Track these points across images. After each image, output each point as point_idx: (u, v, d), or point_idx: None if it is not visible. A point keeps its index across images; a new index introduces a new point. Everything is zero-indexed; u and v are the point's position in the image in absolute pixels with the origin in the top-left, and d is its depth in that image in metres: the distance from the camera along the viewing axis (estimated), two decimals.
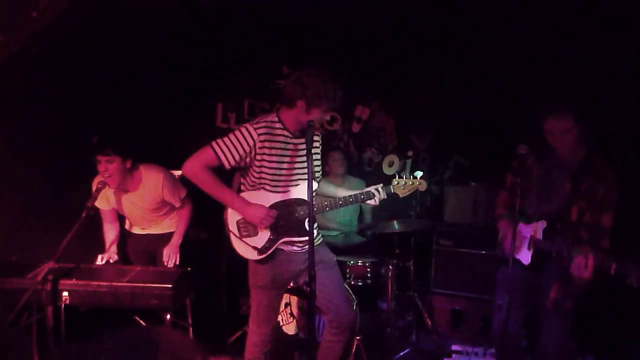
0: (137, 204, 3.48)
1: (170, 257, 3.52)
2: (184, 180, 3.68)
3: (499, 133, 4.41)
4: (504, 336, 2.78)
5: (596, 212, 2.76)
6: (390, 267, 4.06)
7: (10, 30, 2.86)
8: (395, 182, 2.81)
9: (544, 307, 2.87)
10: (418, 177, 2.81)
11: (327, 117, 2.80)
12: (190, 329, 3.47)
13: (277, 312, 2.92)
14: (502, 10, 4.03)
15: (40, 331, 2.93)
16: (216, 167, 2.66)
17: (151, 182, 3.43)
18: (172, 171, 3.69)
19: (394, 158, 5.22)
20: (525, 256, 2.88)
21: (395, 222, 3.97)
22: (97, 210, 3.48)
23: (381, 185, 2.79)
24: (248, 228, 2.75)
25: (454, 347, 3.98)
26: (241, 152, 2.63)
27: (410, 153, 5.19)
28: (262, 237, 2.74)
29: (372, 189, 2.79)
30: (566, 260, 2.68)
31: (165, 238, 3.61)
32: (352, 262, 3.98)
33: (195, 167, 2.64)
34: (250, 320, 2.89)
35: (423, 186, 2.84)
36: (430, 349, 4.16)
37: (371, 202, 2.80)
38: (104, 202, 3.48)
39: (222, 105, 5.31)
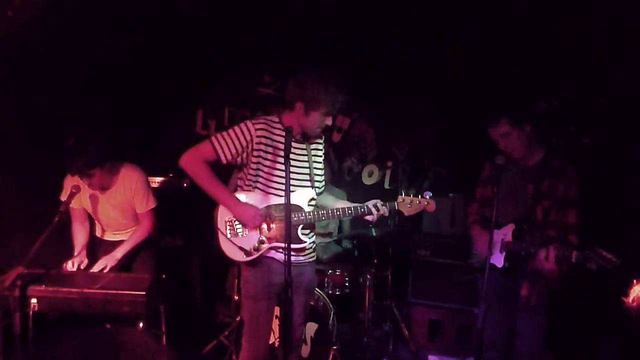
0: (111, 203, 3.42)
1: (102, 265, 3.29)
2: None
3: (478, 144, 4.45)
4: (480, 345, 2.79)
5: (560, 210, 2.85)
6: (368, 277, 4.06)
7: None
8: (401, 200, 2.71)
9: (516, 309, 2.91)
10: (427, 197, 2.71)
11: (329, 122, 2.67)
12: (164, 337, 3.39)
13: (269, 328, 2.80)
14: (479, 23, 4.10)
15: (7, 338, 2.83)
16: (213, 160, 2.65)
17: (127, 180, 3.39)
18: (150, 178, 3.65)
19: (373, 168, 5.23)
20: (498, 259, 2.94)
21: (373, 228, 3.97)
22: (67, 211, 3.40)
23: (378, 201, 2.72)
24: (237, 228, 2.70)
25: (430, 357, 3.99)
26: (237, 146, 2.62)
27: (389, 163, 5.21)
28: (251, 238, 2.68)
29: (373, 204, 2.71)
30: (534, 257, 2.76)
31: (136, 250, 3.51)
32: (330, 271, 3.96)
33: (192, 158, 2.64)
34: (243, 335, 2.79)
35: (432, 206, 2.72)
36: (407, 359, 4.15)
37: (369, 217, 2.74)
38: (76, 200, 3.40)
39: (203, 111, 5.28)
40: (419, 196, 2.72)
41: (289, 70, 4.80)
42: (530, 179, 2.93)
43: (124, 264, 3.49)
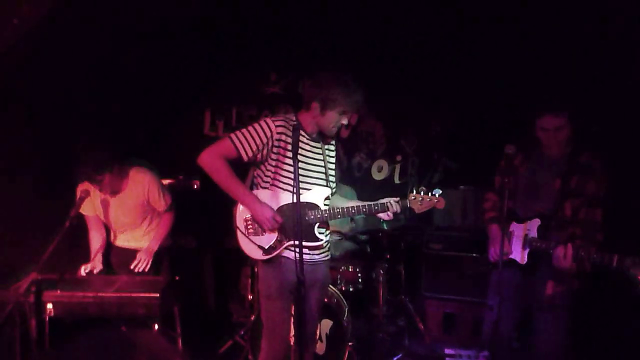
0: (122, 206, 3.44)
1: (141, 261, 3.42)
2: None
3: (488, 136, 4.43)
4: (495, 337, 2.76)
5: (591, 208, 2.79)
6: (381, 272, 4.05)
7: None
8: (412, 197, 2.71)
9: (537, 307, 2.87)
10: (437, 195, 2.71)
11: (345, 121, 2.70)
12: (180, 339, 3.41)
13: (287, 328, 2.77)
14: (488, 15, 4.06)
15: (24, 344, 2.85)
16: (233, 158, 2.63)
17: (138, 183, 3.41)
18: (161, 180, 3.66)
19: (383, 163, 5.21)
20: (520, 255, 2.88)
21: (384, 222, 3.96)
22: (81, 218, 3.42)
23: (397, 198, 2.72)
24: (255, 226, 2.70)
25: (447, 351, 3.95)
26: (258, 142, 2.61)
27: (399, 157, 5.19)
28: (269, 237, 2.69)
29: (387, 201, 2.72)
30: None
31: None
32: (342, 267, 3.95)
33: (212, 155, 2.62)
34: (262, 337, 2.79)
35: (441, 204, 2.72)
36: (423, 353, 4.14)
37: (384, 215, 2.74)
38: (89, 207, 3.43)
39: (210, 112, 5.28)
40: (429, 194, 2.71)
41: (296, 68, 4.86)
42: (557, 173, 2.87)
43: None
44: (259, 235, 2.70)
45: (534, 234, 2.84)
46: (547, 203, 2.87)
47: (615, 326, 3.60)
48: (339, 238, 4.38)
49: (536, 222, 2.84)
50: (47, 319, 2.82)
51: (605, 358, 3.63)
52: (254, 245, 2.70)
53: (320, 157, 2.78)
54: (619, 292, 3.28)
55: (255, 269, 3.88)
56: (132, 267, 3.40)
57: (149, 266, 3.44)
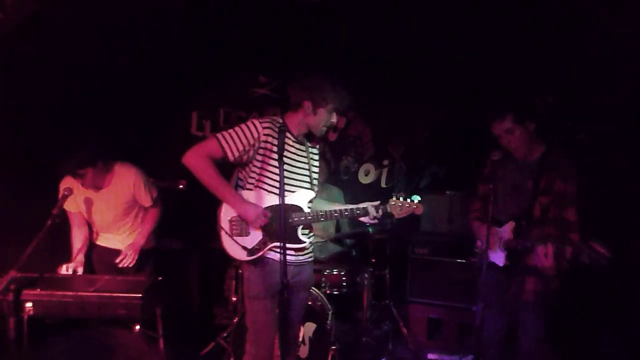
0: (107, 202, 3.41)
1: (128, 256, 3.41)
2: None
3: (474, 142, 4.46)
4: (479, 342, 2.78)
5: (559, 206, 2.84)
6: (366, 276, 4.04)
7: None
8: (393, 202, 2.74)
9: (515, 307, 2.90)
10: (415, 201, 2.75)
11: (334, 119, 2.75)
12: (161, 340, 3.36)
13: (273, 330, 2.71)
14: (476, 20, 4.09)
15: (2, 343, 2.80)
16: (219, 158, 2.61)
17: (123, 178, 3.39)
18: None
19: (370, 167, 5.22)
20: (498, 258, 2.93)
21: (370, 227, 3.96)
22: (64, 217, 3.38)
23: (378, 202, 2.75)
24: (240, 227, 2.68)
25: (430, 356, 3.97)
26: (245, 142, 2.60)
27: (386, 162, 5.20)
28: (254, 238, 2.68)
29: (368, 205, 2.74)
30: (531, 253, 2.75)
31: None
32: (327, 270, 3.94)
33: (197, 155, 2.59)
34: (247, 341, 2.75)
35: (420, 210, 2.76)
36: (407, 358, 4.14)
37: (365, 219, 2.77)
38: (72, 204, 3.39)
39: (197, 113, 5.26)
40: (408, 199, 2.74)
41: (285, 71, 4.85)
42: (530, 175, 2.93)
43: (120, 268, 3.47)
44: (243, 236, 2.68)
45: (509, 235, 2.90)
46: (521, 205, 2.93)
47: (595, 326, 3.65)
48: (323, 241, 4.38)
49: (510, 224, 2.91)
50: (26, 317, 2.77)
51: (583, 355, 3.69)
52: (238, 246, 2.68)
53: (305, 159, 2.79)
54: (595, 289, 3.33)
55: (240, 271, 3.86)
56: (117, 261, 3.38)
57: (134, 262, 3.42)
